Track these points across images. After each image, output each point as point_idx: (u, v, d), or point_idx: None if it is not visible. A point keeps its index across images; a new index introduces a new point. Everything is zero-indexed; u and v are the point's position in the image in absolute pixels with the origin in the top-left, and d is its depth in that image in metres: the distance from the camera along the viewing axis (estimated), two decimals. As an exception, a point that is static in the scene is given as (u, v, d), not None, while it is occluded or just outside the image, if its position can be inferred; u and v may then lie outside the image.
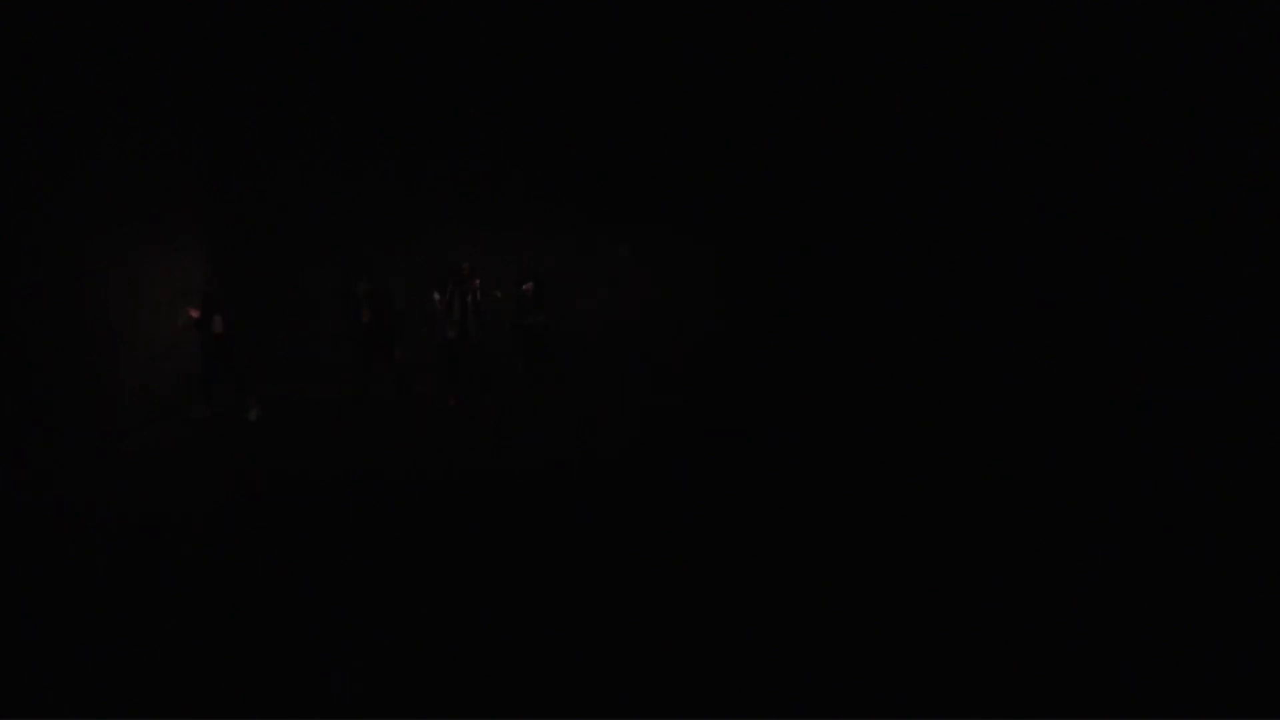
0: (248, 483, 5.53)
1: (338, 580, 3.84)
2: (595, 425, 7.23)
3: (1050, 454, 5.95)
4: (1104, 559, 4.08)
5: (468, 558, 4.17)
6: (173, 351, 7.71)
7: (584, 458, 6.16)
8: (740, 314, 9.39)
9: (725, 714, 2.79)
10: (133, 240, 7.05)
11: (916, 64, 7.97)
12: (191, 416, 7.43)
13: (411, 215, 9.45)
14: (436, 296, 7.99)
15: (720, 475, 5.65)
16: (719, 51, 8.60)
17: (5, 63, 5.36)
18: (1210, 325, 5.62)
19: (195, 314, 7.21)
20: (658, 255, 9.51)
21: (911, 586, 3.80)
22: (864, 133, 8.56)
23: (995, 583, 3.84)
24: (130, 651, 3.15)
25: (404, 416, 7.63)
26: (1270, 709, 2.82)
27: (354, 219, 9.40)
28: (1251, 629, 3.37)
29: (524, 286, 8.36)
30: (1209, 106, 5.66)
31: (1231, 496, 4.86)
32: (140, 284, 7.17)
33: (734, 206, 9.25)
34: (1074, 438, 6.19)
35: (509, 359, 8.61)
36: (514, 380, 8.54)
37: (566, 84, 9.05)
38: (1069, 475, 5.48)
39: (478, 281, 7.98)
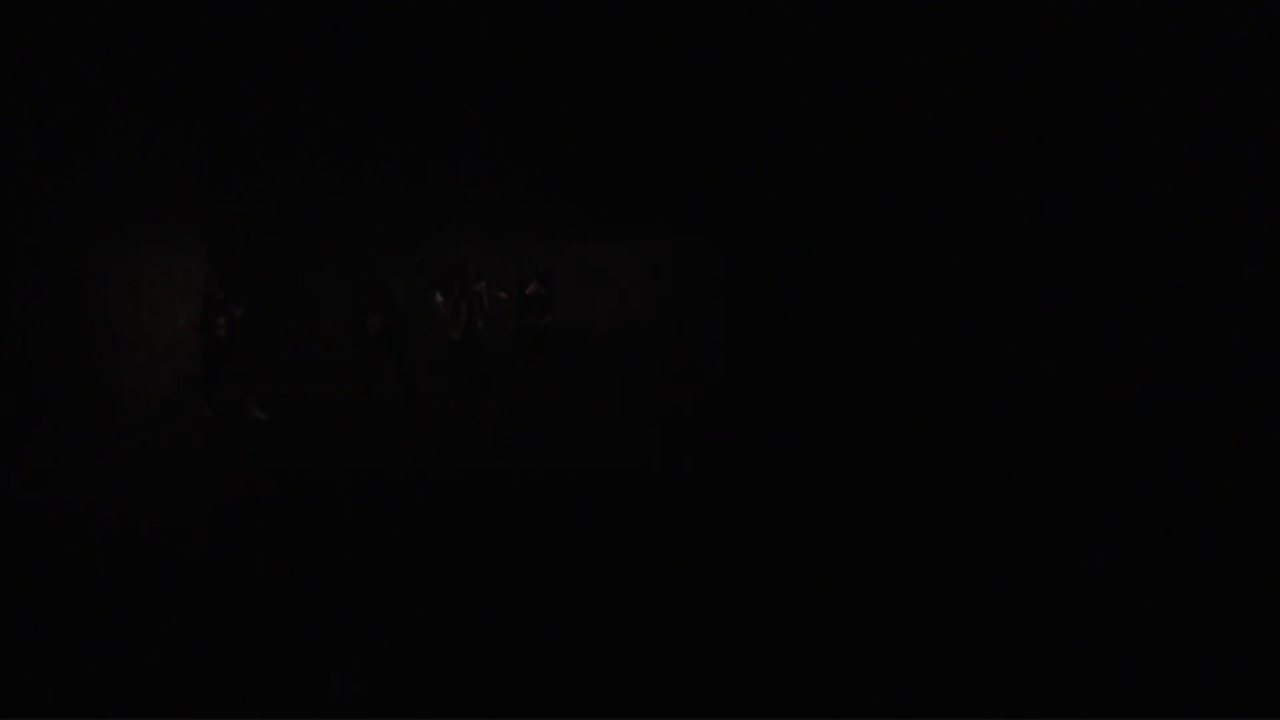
0: (247, 483, 5.53)
1: (338, 580, 3.84)
2: (597, 426, 7.22)
3: (1050, 454, 5.95)
4: (1104, 559, 4.08)
5: (468, 558, 4.17)
6: (173, 351, 7.71)
7: (585, 458, 6.16)
8: (740, 314, 9.39)
9: (725, 714, 2.79)
10: (133, 240, 7.05)
11: (917, 64, 7.96)
12: (202, 415, 7.44)
13: (411, 215, 9.45)
14: (440, 298, 7.99)
15: (720, 475, 5.65)
16: (719, 51, 8.60)
17: (5, 63, 5.35)
18: (1210, 325, 5.62)
19: (195, 323, 7.24)
20: (658, 255, 9.51)
21: (912, 586, 3.80)
22: (866, 133, 8.56)
23: (995, 583, 3.84)
24: (130, 651, 3.15)
25: (406, 417, 7.63)
26: (1270, 709, 2.81)
27: (354, 219, 9.40)
28: (1251, 629, 3.37)
29: (527, 289, 8.34)
30: (1209, 106, 5.66)
31: (1231, 496, 4.86)
32: (140, 284, 7.17)
33: (735, 207, 9.24)
34: (1074, 438, 6.19)
35: (511, 359, 8.60)
36: (516, 381, 8.53)
37: (566, 84, 9.04)
38: (1069, 475, 5.47)
39: (484, 283, 7.99)
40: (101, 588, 3.75)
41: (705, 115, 9.00)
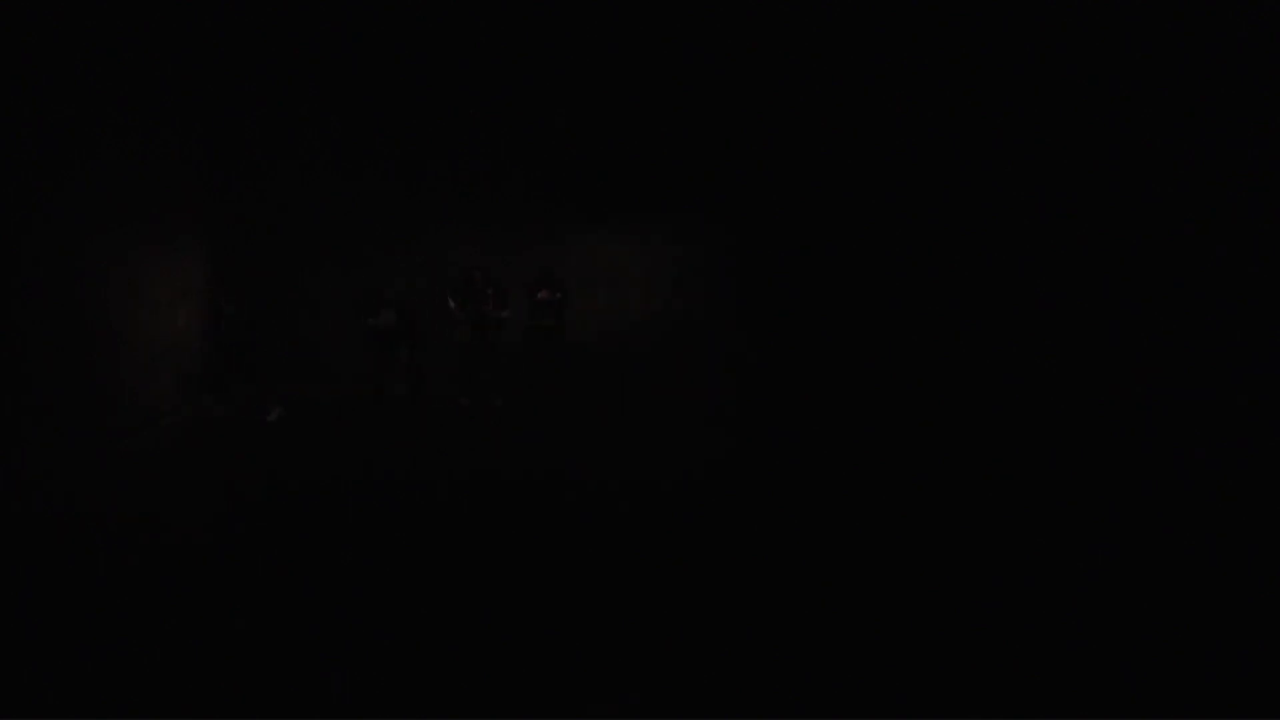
0: (248, 483, 5.53)
1: (341, 581, 3.84)
2: (600, 427, 7.23)
3: (1050, 454, 5.95)
4: (1104, 559, 4.08)
5: (470, 558, 4.17)
6: (172, 351, 7.71)
7: (589, 459, 6.16)
8: (742, 313, 9.39)
9: (725, 714, 2.79)
10: (133, 240, 7.05)
11: (919, 63, 7.96)
12: (214, 415, 7.47)
13: (411, 215, 9.45)
14: (452, 304, 8.02)
15: (722, 475, 5.65)
16: (720, 50, 8.60)
17: (5, 63, 5.35)
18: (1210, 325, 5.62)
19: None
20: (659, 255, 9.51)
21: (911, 586, 3.80)
22: (866, 130, 8.55)
23: (995, 583, 3.84)
24: (130, 651, 3.15)
25: (414, 418, 7.63)
26: (1270, 709, 2.81)
27: (354, 219, 9.40)
28: (1252, 629, 3.37)
29: (538, 295, 8.29)
30: (1209, 106, 5.66)
31: (1231, 496, 4.86)
32: (140, 284, 7.17)
33: (737, 205, 9.24)
34: (1074, 438, 6.19)
35: (522, 361, 8.58)
36: (526, 381, 8.50)
37: (566, 83, 9.05)
38: (1069, 475, 5.47)
39: (492, 292, 8.01)
40: (101, 588, 3.75)
41: (705, 114, 9.00)
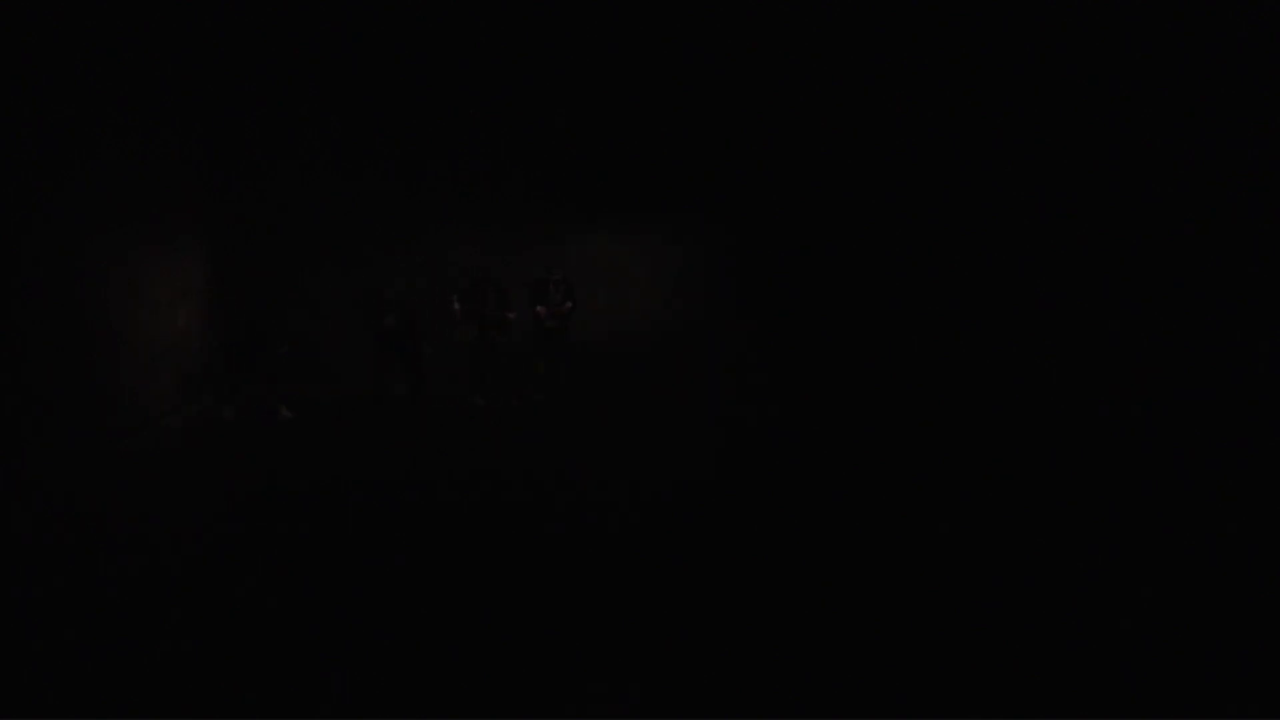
0: (248, 483, 5.53)
1: (341, 582, 3.84)
2: (600, 427, 7.23)
3: (1050, 454, 5.95)
4: (1104, 559, 4.08)
5: (470, 558, 4.17)
6: (172, 351, 7.71)
7: (590, 459, 6.16)
8: (742, 313, 9.39)
9: (725, 714, 2.79)
10: (133, 240, 7.05)
11: (919, 63, 7.96)
12: (223, 416, 7.47)
13: (411, 215, 9.44)
14: (457, 306, 8.02)
15: (722, 476, 5.65)
16: (720, 50, 8.60)
17: (5, 63, 5.35)
18: (1210, 325, 5.62)
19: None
20: (659, 255, 9.51)
21: (912, 587, 3.80)
22: (866, 129, 8.55)
23: (995, 583, 3.84)
24: (130, 651, 3.15)
25: (415, 418, 7.62)
26: (1270, 709, 2.81)
27: (354, 219, 9.40)
28: (1251, 629, 3.37)
29: (538, 309, 8.21)
30: (1209, 106, 5.66)
31: (1231, 496, 4.86)
32: (140, 284, 7.17)
33: (737, 205, 9.24)
34: (1074, 438, 6.19)
35: (529, 360, 8.55)
36: (533, 381, 8.48)
37: (566, 83, 9.04)
38: (1069, 475, 5.47)
39: (493, 296, 8.00)
40: (101, 588, 3.75)
41: (705, 114, 8.99)
